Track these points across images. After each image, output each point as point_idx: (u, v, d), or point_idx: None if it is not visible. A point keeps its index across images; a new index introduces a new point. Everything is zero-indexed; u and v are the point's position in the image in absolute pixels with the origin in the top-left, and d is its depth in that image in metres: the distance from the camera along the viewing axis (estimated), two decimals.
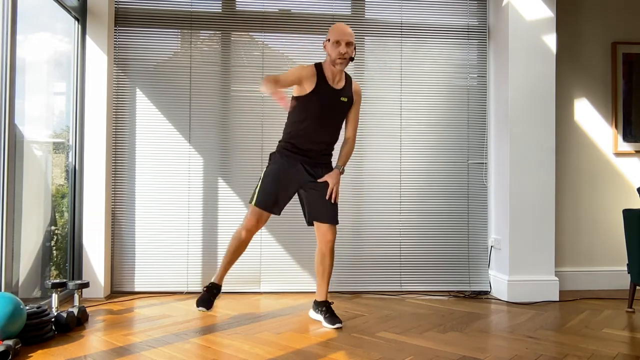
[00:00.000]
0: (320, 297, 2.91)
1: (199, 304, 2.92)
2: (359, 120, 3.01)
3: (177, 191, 3.67)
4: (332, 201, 2.79)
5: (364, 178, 3.77)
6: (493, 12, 3.81)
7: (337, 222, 2.86)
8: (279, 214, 2.92)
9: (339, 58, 2.71)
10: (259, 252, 3.69)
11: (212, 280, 3.02)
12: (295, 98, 2.81)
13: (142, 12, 3.67)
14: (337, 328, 2.74)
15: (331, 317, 2.80)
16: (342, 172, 2.90)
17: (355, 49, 2.79)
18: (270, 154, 2.95)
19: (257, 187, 2.87)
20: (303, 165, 2.83)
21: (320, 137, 2.84)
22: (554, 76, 3.58)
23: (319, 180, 2.83)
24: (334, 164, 2.95)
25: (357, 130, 3.00)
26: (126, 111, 3.66)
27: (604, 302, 3.45)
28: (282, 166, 2.83)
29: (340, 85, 2.82)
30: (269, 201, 2.82)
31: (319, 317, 2.87)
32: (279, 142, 2.95)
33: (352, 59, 2.77)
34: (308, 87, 2.74)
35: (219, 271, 3.00)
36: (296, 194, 2.92)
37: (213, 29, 3.75)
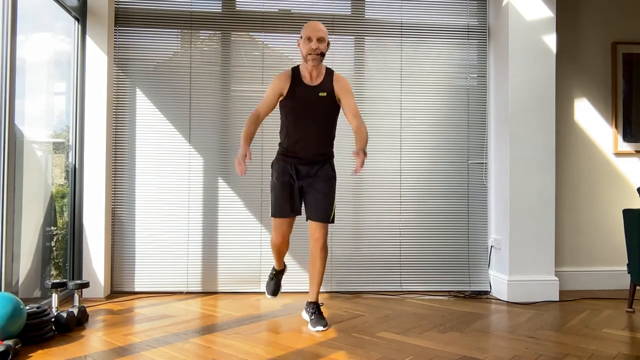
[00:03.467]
0: (310, 298, 2.89)
1: (269, 292, 3.19)
2: (359, 107, 2.88)
3: (177, 191, 3.67)
4: (356, 172, 2.63)
5: (364, 178, 3.77)
6: (493, 12, 3.81)
7: (326, 221, 2.81)
8: (300, 213, 2.90)
9: (310, 54, 2.70)
10: (259, 252, 3.69)
11: (274, 268, 3.19)
12: (280, 104, 2.85)
13: (142, 12, 3.68)
14: (317, 331, 2.70)
15: (316, 319, 2.77)
16: (365, 154, 2.73)
17: (328, 45, 2.78)
18: (271, 163, 2.96)
19: (270, 199, 2.91)
20: (297, 167, 2.83)
21: (310, 137, 2.81)
22: (554, 76, 3.58)
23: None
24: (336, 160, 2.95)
25: (361, 117, 2.83)
26: (126, 111, 3.66)
27: (604, 302, 3.45)
28: (281, 172, 2.85)
29: (317, 81, 2.79)
30: (283, 208, 2.84)
31: (307, 317, 2.86)
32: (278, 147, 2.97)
33: (323, 54, 2.74)
34: (285, 91, 2.78)
35: (276, 263, 3.15)
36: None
37: (213, 29, 3.76)
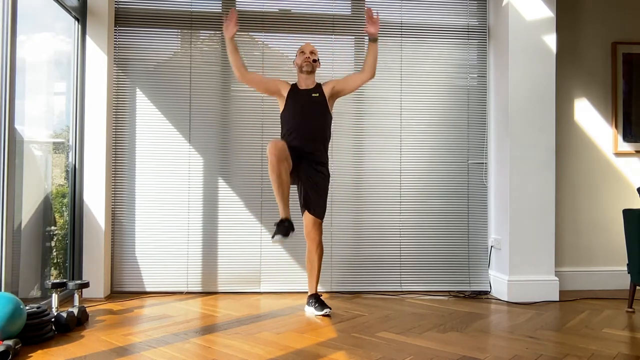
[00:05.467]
0: (310, 292, 3.17)
1: (277, 233, 2.92)
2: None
3: (177, 191, 3.67)
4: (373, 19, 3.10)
5: (364, 178, 3.77)
6: (493, 12, 3.81)
7: (321, 218, 3.12)
8: (293, 177, 3.05)
9: (304, 61, 3.17)
10: (259, 252, 3.69)
11: (280, 217, 2.99)
12: (281, 114, 3.22)
13: (142, 12, 3.67)
14: (325, 315, 2.97)
15: (320, 305, 3.04)
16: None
17: (319, 63, 3.23)
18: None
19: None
20: (298, 151, 3.04)
21: (305, 126, 3.13)
22: (554, 76, 3.58)
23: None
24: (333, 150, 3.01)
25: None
26: (126, 111, 3.66)
27: (604, 302, 3.45)
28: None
29: (311, 87, 3.22)
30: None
31: (311, 309, 3.08)
32: None
33: (315, 60, 3.19)
34: (283, 91, 3.20)
35: (280, 204, 2.98)
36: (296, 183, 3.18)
37: (213, 29, 3.75)
